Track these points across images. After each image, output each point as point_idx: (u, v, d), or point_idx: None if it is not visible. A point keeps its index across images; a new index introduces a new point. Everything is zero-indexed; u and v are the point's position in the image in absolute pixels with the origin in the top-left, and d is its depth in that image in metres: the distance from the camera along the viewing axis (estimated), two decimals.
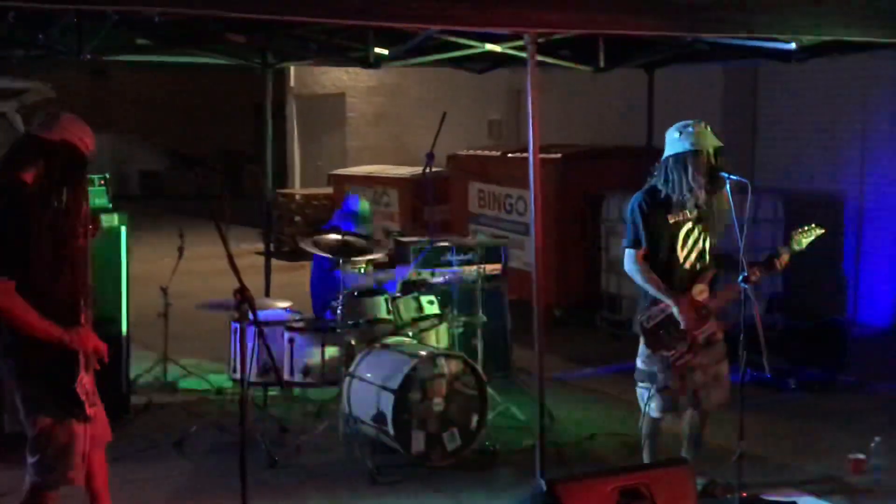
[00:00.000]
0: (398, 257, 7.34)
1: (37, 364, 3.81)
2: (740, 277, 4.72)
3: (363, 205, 7.25)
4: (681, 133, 4.80)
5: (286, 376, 6.07)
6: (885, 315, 9.08)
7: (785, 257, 4.88)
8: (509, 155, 10.05)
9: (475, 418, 5.67)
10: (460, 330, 6.34)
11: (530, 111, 4.96)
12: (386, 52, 7.40)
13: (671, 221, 4.85)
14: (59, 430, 3.83)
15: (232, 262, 3.86)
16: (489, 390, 5.84)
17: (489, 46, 6.91)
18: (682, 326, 4.79)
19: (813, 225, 4.94)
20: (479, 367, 5.81)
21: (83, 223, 3.93)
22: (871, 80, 9.12)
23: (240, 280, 3.85)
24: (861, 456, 5.42)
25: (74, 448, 3.86)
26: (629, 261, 4.89)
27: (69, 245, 3.85)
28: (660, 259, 4.87)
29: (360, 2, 4.63)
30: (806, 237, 4.93)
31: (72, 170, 3.85)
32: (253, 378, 6.06)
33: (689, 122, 4.85)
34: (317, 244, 6.17)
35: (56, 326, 3.76)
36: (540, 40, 5.04)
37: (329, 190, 14.03)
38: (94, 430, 3.96)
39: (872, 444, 5.45)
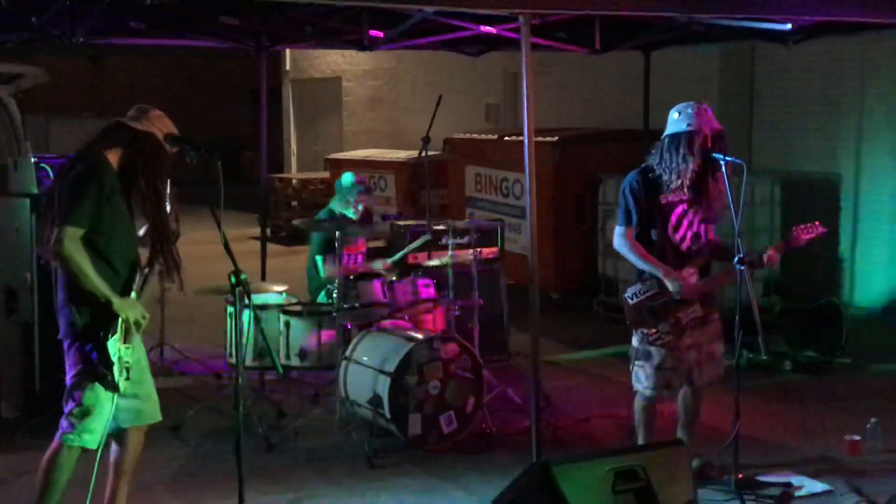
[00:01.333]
0: (395, 241, 7.33)
1: (81, 319, 3.97)
2: (735, 259, 4.72)
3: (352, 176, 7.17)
4: (680, 113, 4.79)
5: (283, 360, 6.08)
6: (880, 297, 9.08)
7: (774, 255, 4.86)
8: (506, 138, 10.03)
9: (471, 401, 5.68)
10: (457, 313, 6.33)
11: (525, 93, 4.95)
12: (381, 34, 7.37)
13: (663, 202, 4.83)
14: (85, 391, 3.98)
15: (227, 248, 3.88)
16: (485, 373, 5.85)
17: (484, 28, 6.88)
18: (674, 291, 4.78)
19: (816, 223, 4.93)
20: (475, 351, 5.82)
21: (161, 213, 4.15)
22: (869, 63, 9.09)
23: (235, 264, 3.86)
24: (857, 437, 5.43)
25: (94, 413, 3.99)
26: (618, 237, 4.90)
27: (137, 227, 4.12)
28: (653, 240, 4.87)
29: None
30: (807, 234, 4.92)
31: (154, 161, 4.09)
32: (249, 362, 6.07)
33: (690, 103, 4.83)
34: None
35: (106, 287, 3.94)
36: (535, 21, 5.01)
37: (326, 174, 14.00)
38: (133, 406, 4.11)
39: (868, 426, 5.46)
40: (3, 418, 5.93)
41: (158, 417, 4.30)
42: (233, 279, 3.87)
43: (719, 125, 4.82)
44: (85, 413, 4.00)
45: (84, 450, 4.06)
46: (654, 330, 4.82)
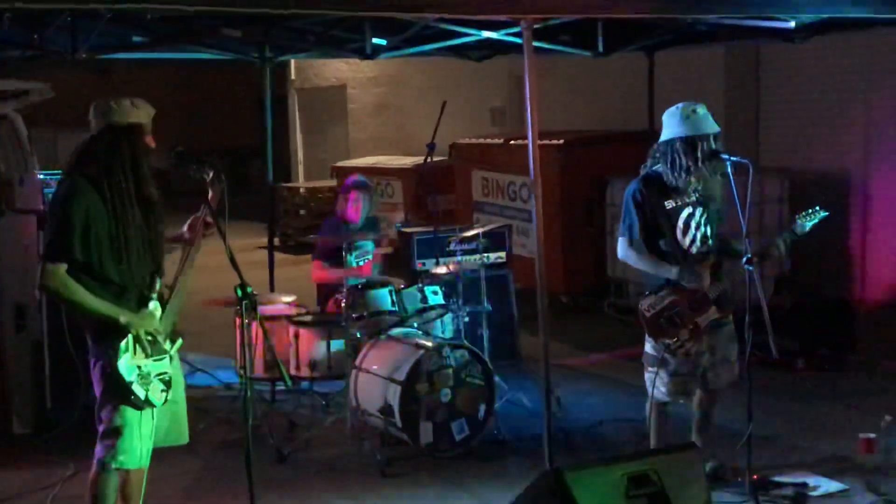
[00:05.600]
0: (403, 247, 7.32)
1: (94, 338, 3.91)
2: (744, 259, 4.70)
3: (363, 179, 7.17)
4: (686, 116, 4.74)
5: (293, 371, 6.07)
6: (891, 293, 9.03)
7: (781, 246, 4.85)
8: (511, 142, 10.02)
9: (483, 407, 5.66)
10: (466, 319, 6.31)
11: (528, 98, 4.94)
12: (384, 42, 7.37)
13: (669, 208, 4.81)
14: (110, 411, 3.90)
15: (233, 260, 3.86)
16: (496, 379, 5.83)
17: (486, 34, 6.88)
18: (689, 285, 4.75)
19: (817, 207, 4.91)
20: (485, 357, 5.80)
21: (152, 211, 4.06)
22: (874, 58, 9.05)
23: (241, 277, 3.85)
24: (871, 435, 5.38)
25: (125, 432, 3.90)
26: (621, 248, 4.91)
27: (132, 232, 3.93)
28: (662, 246, 4.84)
29: None
30: (809, 220, 4.90)
31: (118, 156, 4.00)
32: (259, 373, 6.07)
33: (692, 104, 4.80)
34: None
35: (109, 306, 3.85)
36: (537, 26, 5.01)
37: (333, 182, 14.01)
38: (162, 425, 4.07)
39: (883, 423, 5.42)
40: (15, 435, 5.94)
41: (185, 439, 4.22)
42: (239, 292, 3.86)
43: (717, 126, 4.81)
44: (114, 433, 3.91)
45: (129, 470, 3.97)
46: (675, 339, 4.80)
